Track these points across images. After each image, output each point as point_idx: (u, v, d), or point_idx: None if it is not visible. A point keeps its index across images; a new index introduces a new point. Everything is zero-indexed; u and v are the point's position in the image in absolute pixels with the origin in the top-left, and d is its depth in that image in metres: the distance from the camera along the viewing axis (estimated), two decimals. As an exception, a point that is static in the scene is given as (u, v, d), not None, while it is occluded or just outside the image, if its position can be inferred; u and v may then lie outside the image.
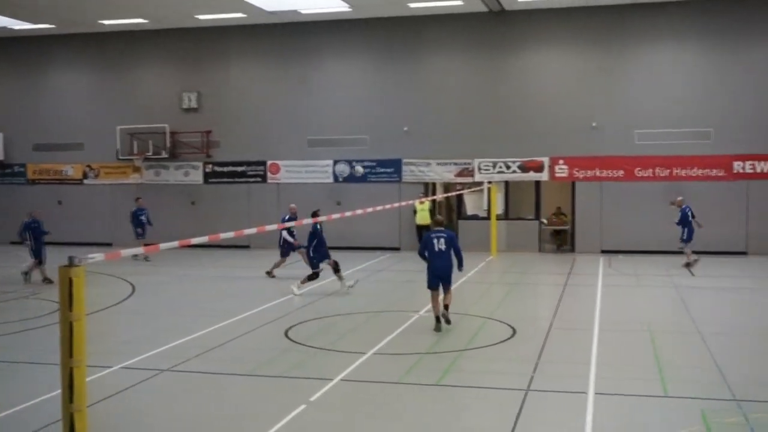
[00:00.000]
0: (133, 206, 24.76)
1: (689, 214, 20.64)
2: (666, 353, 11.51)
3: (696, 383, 9.93)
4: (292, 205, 19.70)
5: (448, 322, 13.11)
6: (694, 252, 20.86)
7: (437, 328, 12.99)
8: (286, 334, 13.08)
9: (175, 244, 8.52)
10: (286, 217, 19.14)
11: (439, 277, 13.16)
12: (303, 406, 9.08)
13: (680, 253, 21.23)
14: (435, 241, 13.18)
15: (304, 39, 26.49)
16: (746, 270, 20.59)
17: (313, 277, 17.04)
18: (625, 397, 9.38)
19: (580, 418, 8.59)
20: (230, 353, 11.92)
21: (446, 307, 13.19)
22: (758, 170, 23.37)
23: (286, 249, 19.57)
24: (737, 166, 23.47)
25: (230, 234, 9.53)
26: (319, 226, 16.73)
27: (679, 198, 21.35)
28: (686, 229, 20.63)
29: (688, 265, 20.60)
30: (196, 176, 27.75)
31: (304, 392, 9.59)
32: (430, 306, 13.52)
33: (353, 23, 25.94)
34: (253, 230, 10.30)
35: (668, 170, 23.88)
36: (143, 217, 24.31)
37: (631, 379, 10.18)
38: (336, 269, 17.16)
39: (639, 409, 8.97)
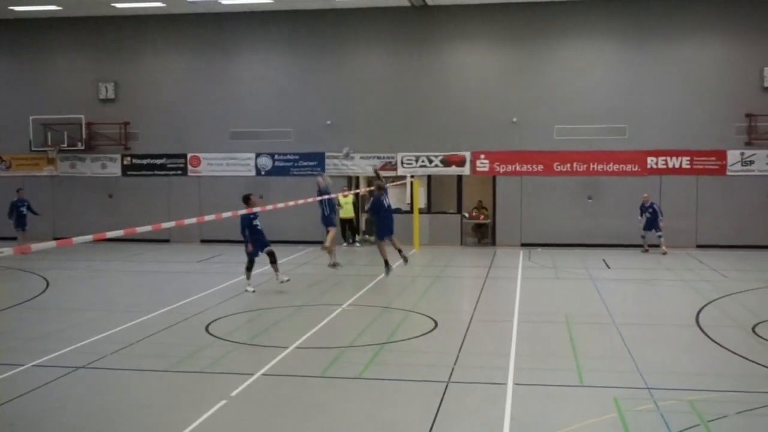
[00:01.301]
0: (15, 197, 24.45)
1: (657, 209, 22.69)
2: (582, 344, 11.79)
3: (610, 372, 10.20)
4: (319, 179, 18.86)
5: (405, 260, 17.68)
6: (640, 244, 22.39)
7: (388, 273, 17.40)
8: (207, 329, 12.89)
9: (90, 237, 8.29)
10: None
11: (390, 228, 17.38)
12: (223, 402, 8.97)
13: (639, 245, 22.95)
14: (384, 201, 17.27)
15: (225, 30, 26.14)
16: (661, 262, 21.23)
17: (249, 266, 16.64)
18: (542, 387, 9.56)
19: (499, 408, 8.73)
20: (149, 349, 11.68)
21: (400, 250, 17.48)
22: (670, 166, 24.14)
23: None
24: (651, 161, 24.20)
25: (147, 228, 9.31)
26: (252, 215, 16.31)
27: (645, 194, 23.01)
28: (655, 222, 22.66)
29: (664, 253, 22.45)
30: (114, 169, 27.11)
31: (225, 387, 9.47)
32: (350, 300, 13.48)
33: (275, 15, 25.72)
34: (171, 223, 10.08)
35: (586, 165, 24.46)
36: (23, 209, 23.81)
37: (549, 369, 10.40)
38: (272, 260, 16.72)
39: (555, 399, 9.17)
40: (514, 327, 12.94)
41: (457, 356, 11.04)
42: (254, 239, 16.34)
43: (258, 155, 26.11)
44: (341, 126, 25.53)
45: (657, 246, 22.87)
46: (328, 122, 25.54)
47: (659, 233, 22.66)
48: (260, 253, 16.56)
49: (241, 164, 26.25)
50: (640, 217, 23.07)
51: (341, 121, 25.53)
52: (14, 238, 24.13)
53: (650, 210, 22.79)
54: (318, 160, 25.74)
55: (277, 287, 16.75)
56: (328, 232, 18.62)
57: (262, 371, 10.25)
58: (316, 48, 25.83)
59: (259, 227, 16.42)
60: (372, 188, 19.17)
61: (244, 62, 26.26)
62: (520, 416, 8.48)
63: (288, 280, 16.64)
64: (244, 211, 14.22)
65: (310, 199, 17.93)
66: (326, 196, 17.67)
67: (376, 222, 18.14)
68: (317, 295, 16.39)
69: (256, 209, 14.76)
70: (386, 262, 17.42)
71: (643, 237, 23.11)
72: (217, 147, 26.33)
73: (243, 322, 13.70)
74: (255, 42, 26.20)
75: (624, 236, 23.94)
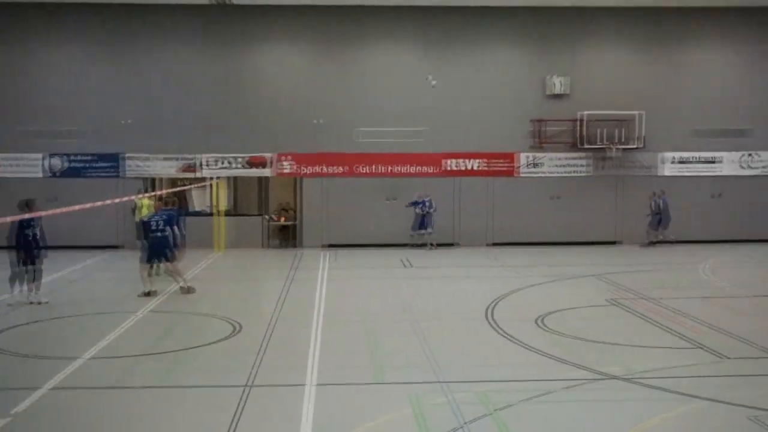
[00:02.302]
0: None
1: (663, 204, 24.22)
2: (382, 342, 12.09)
3: (407, 368, 10.52)
4: None
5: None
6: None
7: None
8: (-13, 343, 12.00)
9: None
10: None
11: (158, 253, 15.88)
12: (5, 420, 8.38)
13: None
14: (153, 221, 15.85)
15: (13, 22, 24.40)
16: (456, 259, 22.16)
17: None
18: (342, 386, 9.70)
19: (299, 409, 8.76)
20: None
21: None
22: (466, 167, 25.28)
23: None
24: (447, 163, 25.22)
25: None
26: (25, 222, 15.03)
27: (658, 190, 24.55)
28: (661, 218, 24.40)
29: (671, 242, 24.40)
30: None
31: (7, 404, 8.85)
32: (149, 307, 13.06)
33: (71, 7, 24.32)
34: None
35: (387, 167, 25.09)
36: None
37: (349, 368, 10.57)
38: (35, 278, 15.14)
39: (354, 397, 9.33)
40: (316, 327, 13.04)
41: (260, 359, 10.96)
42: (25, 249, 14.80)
43: (47, 156, 24.59)
44: (141, 126, 24.58)
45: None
46: (128, 122, 24.48)
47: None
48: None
49: (29, 165, 24.62)
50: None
51: (141, 121, 24.58)
52: None
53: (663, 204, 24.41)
54: (114, 161, 24.64)
55: (70, 293, 15.86)
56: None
57: (55, 385, 9.68)
58: (111, 43, 24.67)
59: (30, 237, 14.78)
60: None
61: (32, 56, 24.62)
62: (320, 416, 8.56)
63: (47, 302, 14.97)
64: (20, 217, 13.33)
65: (108, 201, 17.15)
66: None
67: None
68: (113, 303, 15.68)
69: (28, 216, 13.66)
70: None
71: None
72: (2, 146, 24.51)
73: (29, 334, 12.86)
74: (46, 35, 24.61)
75: (425, 236, 24.82)
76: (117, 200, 18.23)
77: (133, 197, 21.44)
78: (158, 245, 15.89)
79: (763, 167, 25.86)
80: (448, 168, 25.27)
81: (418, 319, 13.72)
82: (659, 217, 24.45)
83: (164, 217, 16.04)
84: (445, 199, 24.85)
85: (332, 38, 25.04)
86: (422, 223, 24.09)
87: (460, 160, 25.29)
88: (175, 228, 16.43)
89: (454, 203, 25.07)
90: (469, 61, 25.25)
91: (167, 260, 16.23)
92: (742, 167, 25.86)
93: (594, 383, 9.76)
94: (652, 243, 24.54)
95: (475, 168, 25.35)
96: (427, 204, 23.99)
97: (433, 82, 23.82)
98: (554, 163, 25.45)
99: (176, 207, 17.55)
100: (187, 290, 16.26)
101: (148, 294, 15.78)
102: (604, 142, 24.64)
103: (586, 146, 24.84)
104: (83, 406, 9.10)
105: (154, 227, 15.96)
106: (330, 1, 24.37)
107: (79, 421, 8.59)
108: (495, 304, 15.07)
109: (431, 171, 25.23)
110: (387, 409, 8.81)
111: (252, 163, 24.87)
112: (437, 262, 21.71)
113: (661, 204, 24.39)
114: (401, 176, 25.13)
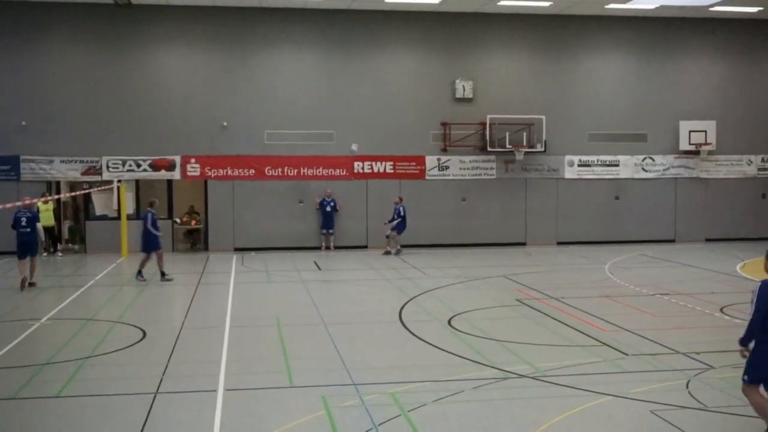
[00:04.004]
0: None
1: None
2: (293, 345, 12.00)
3: (318, 372, 10.47)
4: None
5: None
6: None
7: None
8: None
9: None
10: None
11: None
12: None
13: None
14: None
15: None
16: (366, 262, 22.21)
17: None
18: (252, 391, 9.58)
19: (208, 416, 8.61)
20: None
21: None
22: (375, 170, 25.37)
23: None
24: (357, 166, 25.26)
25: None
26: None
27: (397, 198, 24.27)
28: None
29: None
30: None
31: None
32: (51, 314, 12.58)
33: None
34: None
35: (296, 169, 24.95)
36: None
37: (260, 373, 10.45)
38: None
39: (265, 402, 9.22)
40: (226, 333, 12.85)
41: (166, 366, 10.73)
42: None
43: (-60, 158, 23.51)
44: (39, 127, 23.74)
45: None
46: (23, 123, 23.61)
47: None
48: None
49: None
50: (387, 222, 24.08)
51: (39, 122, 23.74)
52: None
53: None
54: (12, 163, 23.71)
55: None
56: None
57: (-57, 398, 9.23)
58: (9, 42, 23.74)
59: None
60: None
61: None
62: (230, 422, 8.43)
63: None
64: None
65: (9, 205, 16.51)
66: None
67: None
68: (11, 310, 15.09)
69: None
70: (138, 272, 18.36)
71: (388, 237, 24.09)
72: None
73: None
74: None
75: (336, 238, 24.82)
76: (18, 203, 17.63)
77: (35, 201, 20.71)
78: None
79: (663, 170, 26.87)
80: (359, 171, 25.32)
81: (329, 322, 13.68)
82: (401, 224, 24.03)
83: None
84: (355, 202, 24.87)
85: (237, 40, 24.76)
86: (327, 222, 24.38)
87: (370, 163, 25.37)
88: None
89: (366, 206, 25.08)
90: (377, 64, 25.41)
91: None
92: (645, 170, 26.82)
93: (503, 382, 9.92)
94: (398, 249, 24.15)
95: (385, 171, 25.47)
96: (402, 211, 23.85)
97: (354, 148, 24.35)
98: (462, 166, 25.82)
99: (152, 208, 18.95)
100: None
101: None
102: (510, 145, 25.13)
103: (492, 149, 25.30)
104: (-21, 419, 8.71)
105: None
106: (233, 3, 24.09)
107: (-25, 435, 8.22)
108: (406, 306, 15.17)
109: (341, 174, 25.23)
110: (299, 413, 8.74)
111: (158, 166, 24.32)
112: (348, 265, 21.71)
113: (402, 211, 23.98)
114: (311, 179, 25.05)
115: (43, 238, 19.86)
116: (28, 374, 10.34)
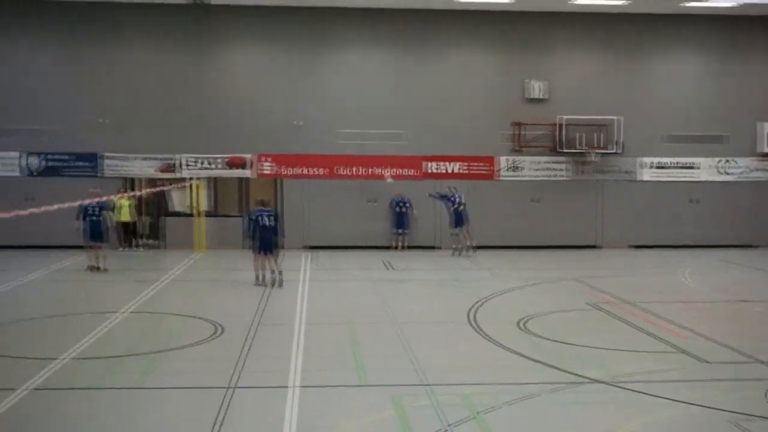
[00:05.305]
0: None
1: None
2: (364, 344, 12.07)
3: (389, 371, 10.51)
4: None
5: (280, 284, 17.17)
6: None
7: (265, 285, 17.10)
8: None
9: None
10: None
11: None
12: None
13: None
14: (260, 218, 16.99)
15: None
16: (438, 262, 22.16)
17: None
18: (324, 389, 9.68)
19: (280, 411, 8.72)
20: None
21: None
22: (445, 170, 25.29)
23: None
24: (428, 166, 25.21)
25: None
26: None
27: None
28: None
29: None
30: None
31: (-14, 405, 8.77)
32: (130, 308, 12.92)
33: (44, 5, 24.08)
34: None
35: (367, 169, 25.05)
36: None
37: (331, 370, 10.54)
38: None
39: (336, 399, 9.30)
40: (297, 330, 13.00)
41: (242, 360, 10.91)
42: None
43: (24, 154, 24.32)
44: (118, 125, 24.36)
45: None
46: (106, 120, 24.25)
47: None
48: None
49: (5, 164, 24.32)
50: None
51: (118, 121, 24.36)
52: None
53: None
54: (92, 160, 24.42)
55: (47, 294, 15.70)
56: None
57: (33, 385, 9.58)
58: (87, 43, 24.42)
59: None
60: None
61: (11, 54, 24.35)
62: (301, 418, 8.53)
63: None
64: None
65: (88, 201, 17.14)
66: None
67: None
68: (96, 303, 15.57)
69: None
70: (257, 277, 17.51)
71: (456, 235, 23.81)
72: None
73: (9, 334, 12.72)
74: (25, 32, 24.35)
75: (398, 238, 24.84)
76: (98, 200, 18.21)
77: (111, 197, 21.37)
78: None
79: (740, 173, 26.14)
80: (429, 171, 25.28)
81: (400, 321, 13.71)
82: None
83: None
84: (425, 203, 24.78)
85: (311, 39, 24.96)
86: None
87: (441, 163, 25.32)
88: None
89: (437, 206, 24.92)
90: (448, 64, 25.29)
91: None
92: (720, 173, 26.13)
93: (576, 386, 9.80)
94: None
95: (455, 171, 25.39)
96: (457, 199, 23.23)
97: (389, 180, 24.40)
98: (534, 167, 25.56)
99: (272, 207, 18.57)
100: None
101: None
102: (584, 146, 24.76)
103: (566, 150, 24.97)
104: (62, 406, 9.01)
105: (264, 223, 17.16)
106: (307, 3, 24.31)
107: (57, 423, 8.50)
108: (477, 307, 15.09)
109: (411, 173, 25.23)
110: (370, 411, 8.81)
111: (231, 164, 24.75)
112: (418, 265, 21.70)
113: (458, 199, 23.27)
114: (382, 178, 25.10)
115: (110, 228, 20.63)
116: (110, 365, 10.65)
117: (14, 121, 24.19)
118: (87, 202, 18.10)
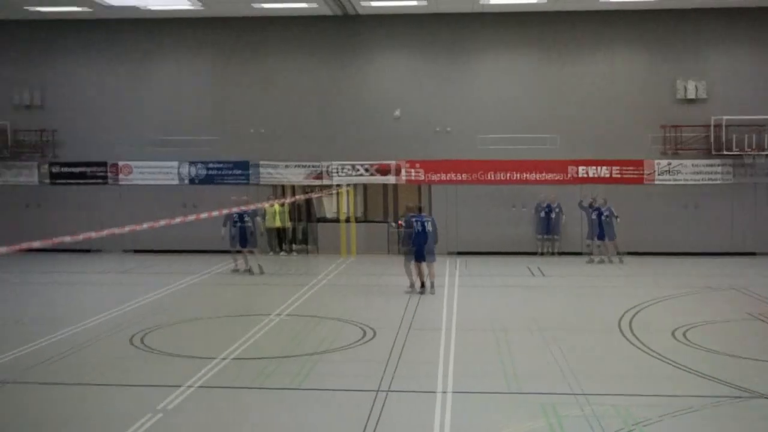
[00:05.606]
0: None
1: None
2: (513, 350, 11.97)
3: (540, 379, 10.37)
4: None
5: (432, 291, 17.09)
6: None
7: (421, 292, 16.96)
8: (131, 341, 12.64)
9: (14, 247, 8.01)
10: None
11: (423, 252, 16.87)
12: (149, 415, 8.82)
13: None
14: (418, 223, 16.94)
15: (148, 35, 25.66)
16: (583, 269, 21.66)
17: None
18: (474, 395, 9.67)
19: (431, 416, 8.80)
20: (73, 362, 11.39)
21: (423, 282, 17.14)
22: (592, 174, 24.70)
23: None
24: (573, 170, 24.70)
25: (66, 237, 8.99)
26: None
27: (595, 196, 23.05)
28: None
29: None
30: (35, 177, 26.29)
31: (153, 400, 9.32)
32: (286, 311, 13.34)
33: (199, 21, 25.33)
34: (103, 233, 9.82)
35: (511, 174, 24.85)
36: None
37: (481, 376, 10.52)
38: None
39: (486, 406, 9.28)
40: (448, 335, 13.04)
41: (389, 364, 11.07)
42: None
43: (183, 163, 25.71)
44: (268, 134, 25.34)
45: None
46: (261, 130, 25.24)
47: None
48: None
49: (165, 173, 25.79)
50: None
51: (268, 130, 25.35)
52: None
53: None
54: (244, 168, 25.49)
55: (208, 296, 16.50)
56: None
57: (196, 383, 10.10)
58: (241, 55, 25.55)
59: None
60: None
61: (167, 69, 25.84)
62: (452, 424, 8.57)
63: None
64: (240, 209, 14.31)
65: (243, 208, 17.88)
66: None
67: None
68: (250, 305, 16.23)
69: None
70: (412, 284, 17.39)
71: (590, 245, 23.34)
72: (141, 155, 25.80)
73: (173, 333, 13.47)
74: (179, 48, 25.82)
75: (544, 244, 24.45)
76: (252, 207, 19.11)
77: (265, 204, 22.30)
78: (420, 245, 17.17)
79: None
80: (576, 175, 24.79)
81: (549, 328, 13.51)
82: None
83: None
84: (572, 208, 24.23)
85: (454, 45, 25.04)
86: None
87: (588, 167, 24.76)
88: None
89: (580, 212, 24.36)
90: (593, 66, 24.73)
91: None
92: None
93: (739, 401, 9.35)
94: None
95: (602, 175, 24.76)
96: (606, 212, 22.40)
97: (397, 113, 24.21)
98: (687, 170, 24.54)
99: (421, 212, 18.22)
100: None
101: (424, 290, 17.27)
102: (744, 148, 23.53)
103: (720, 152, 23.83)
104: (222, 404, 9.44)
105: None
106: (451, 9, 24.39)
107: (219, 419, 8.92)
108: (630, 316, 14.66)
109: (557, 178, 24.82)
110: (521, 420, 8.74)
111: (378, 170, 25.15)
112: (566, 271, 21.27)
113: (607, 213, 22.40)
114: (526, 183, 24.83)
115: (256, 233, 21.08)
116: (266, 365, 11.07)
117: (173, 133, 25.60)
118: (233, 210, 19.03)
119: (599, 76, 24.73)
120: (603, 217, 22.41)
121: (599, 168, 24.75)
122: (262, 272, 20.29)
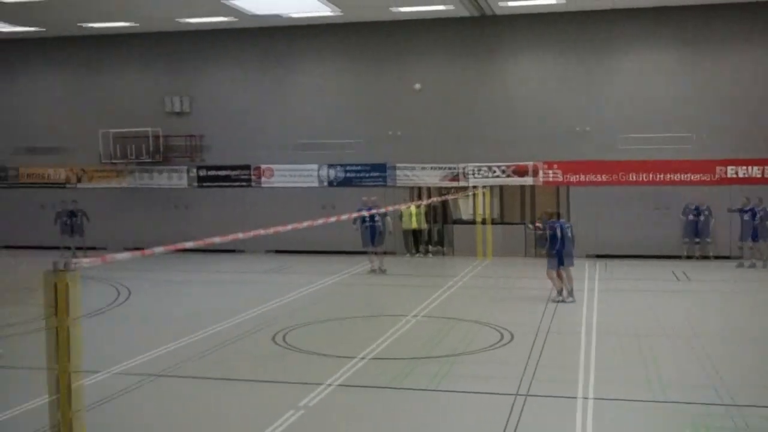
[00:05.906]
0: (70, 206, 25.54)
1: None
2: (658, 357, 11.56)
3: (684, 387, 9.98)
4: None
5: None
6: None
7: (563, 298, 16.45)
8: (274, 339, 13.05)
9: (169, 247, 8.45)
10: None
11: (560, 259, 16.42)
12: (292, 412, 9.07)
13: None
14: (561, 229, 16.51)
15: (290, 42, 26.42)
16: (731, 273, 20.62)
17: None
18: (617, 402, 9.42)
19: (571, 422, 8.63)
20: (221, 358, 11.88)
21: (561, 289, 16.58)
22: (741, 175, 23.49)
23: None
24: (720, 170, 23.58)
25: (216, 238, 9.35)
26: None
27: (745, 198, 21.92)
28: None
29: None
30: (184, 180, 27.63)
31: (295, 397, 9.59)
32: (422, 312, 13.39)
33: (337, 27, 25.87)
34: (250, 234, 10.18)
35: (653, 174, 23.97)
36: (76, 218, 25.15)
37: (622, 383, 10.22)
38: None
39: (631, 414, 9.02)
40: (588, 340, 12.75)
41: (528, 368, 10.93)
42: None
43: (322, 166, 26.33)
44: (405, 137, 25.56)
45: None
46: (398, 133, 25.49)
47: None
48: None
49: (305, 175, 26.49)
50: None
51: (405, 132, 25.56)
52: (67, 248, 24.84)
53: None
54: (381, 170, 25.82)
55: (344, 297, 16.79)
56: None
57: (336, 382, 10.32)
58: (378, 59, 25.92)
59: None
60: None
61: (308, 74, 26.52)
62: (596, 431, 8.36)
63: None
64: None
65: (383, 209, 18.19)
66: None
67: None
68: (385, 306, 16.42)
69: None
70: (559, 291, 16.73)
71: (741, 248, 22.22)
72: (283, 158, 26.63)
73: (312, 332, 13.81)
74: (319, 54, 26.45)
75: (692, 247, 23.43)
76: (390, 208, 19.41)
77: (401, 206, 22.51)
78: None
79: None
80: (724, 175, 23.64)
81: (696, 335, 12.97)
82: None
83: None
84: (721, 210, 23.06)
85: (591, 44, 24.35)
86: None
87: (737, 167, 23.56)
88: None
89: (733, 215, 23.09)
90: (733, 62, 23.47)
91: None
92: None
93: None
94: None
95: (753, 175, 23.50)
96: (760, 213, 21.25)
97: (417, 86, 24.34)
98: None
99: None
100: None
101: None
102: None
103: None
104: (361, 403, 9.61)
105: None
106: (586, 7, 23.78)
107: (358, 417, 9.07)
108: (783, 323, 13.88)
109: (704, 179, 23.74)
110: (668, 429, 8.43)
111: (515, 172, 24.88)
112: (715, 276, 20.28)
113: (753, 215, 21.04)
114: (668, 184, 23.90)
115: (383, 233, 21.35)
116: (405, 366, 11.17)
117: (313, 136, 26.27)
118: (361, 208, 19.84)
119: (746, 72, 23.48)
120: (757, 217, 21.28)
121: (749, 167, 23.52)
122: (383, 270, 20.98)
